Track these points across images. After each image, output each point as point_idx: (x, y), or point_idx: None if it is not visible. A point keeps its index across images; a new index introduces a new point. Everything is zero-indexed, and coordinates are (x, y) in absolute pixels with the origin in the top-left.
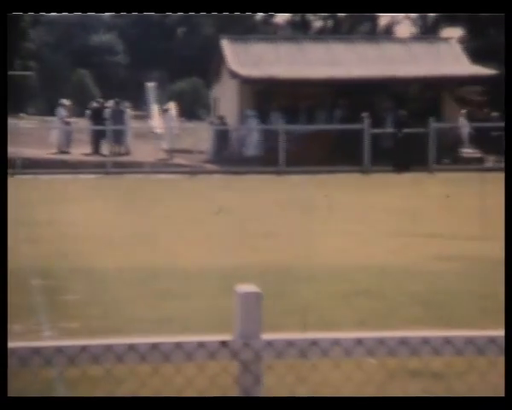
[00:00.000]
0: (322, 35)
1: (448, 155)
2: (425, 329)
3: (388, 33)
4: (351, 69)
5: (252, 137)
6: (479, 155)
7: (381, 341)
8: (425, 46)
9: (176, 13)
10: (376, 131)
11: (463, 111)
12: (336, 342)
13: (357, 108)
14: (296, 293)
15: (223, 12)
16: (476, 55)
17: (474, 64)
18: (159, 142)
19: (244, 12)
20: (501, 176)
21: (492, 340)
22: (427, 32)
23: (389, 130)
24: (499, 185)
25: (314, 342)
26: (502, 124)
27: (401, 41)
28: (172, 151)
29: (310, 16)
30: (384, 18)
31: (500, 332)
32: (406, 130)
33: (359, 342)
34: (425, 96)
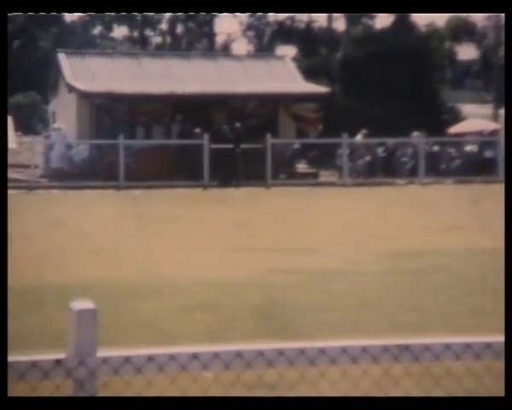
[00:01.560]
0: (161, 51)
1: (284, 170)
2: (260, 341)
3: (225, 50)
4: (189, 85)
5: (56, 151)
6: (314, 170)
7: (228, 353)
8: (261, 63)
9: (176, 13)
10: (216, 146)
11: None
12: (172, 357)
13: (196, 123)
14: (133, 309)
15: (223, 12)
16: (309, 73)
17: (307, 82)
18: None
19: (244, 12)
20: (333, 190)
21: (447, 346)
22: (263, 50)
23: (227, 145)
24: (332, 199)
25: (150, 358)
26: (336, 140)
27: (238, 58)
28: (9, 166)
29: (149, 32)
30: (221, 35)
31: (456, 339)
32: (244, 145)
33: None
34: (262, 112)
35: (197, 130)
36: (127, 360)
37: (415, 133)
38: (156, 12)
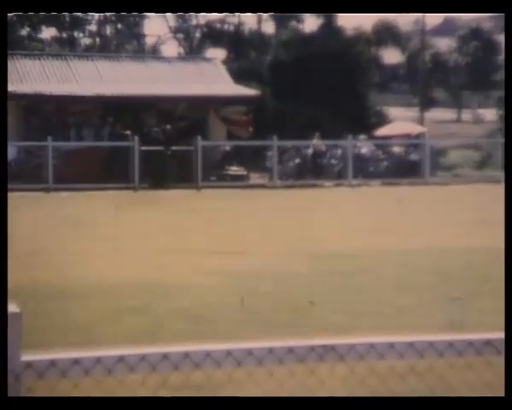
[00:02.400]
0: (90, 52)
1: (215, 173)
2: (187, 343)
3: (155, 52)
4: (118, 87)
5: None
6: (244, 172)
7: (155, 355)
8: (190, 66)
9: (176, 13)
10: (146, 148)
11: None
12: (98, 360)
13: (126, 125)
14: (61, 311)
15: (223, 12)
16: (239, 76)
17: (237, 84)
18: None
19: (244, 12)
20: (263, 192)
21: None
22: (193, 53)
23: (158, 147)
24: (261, 201)
25: (76, 361)
26: (268, 143)
27: (167, 60)
28: None
29: (78, 34)
30: (151, 37)
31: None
32: (174, 147)
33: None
34: (192, 114)
35: (128, 132)
36: (53, 363)
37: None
38: (148, 12)
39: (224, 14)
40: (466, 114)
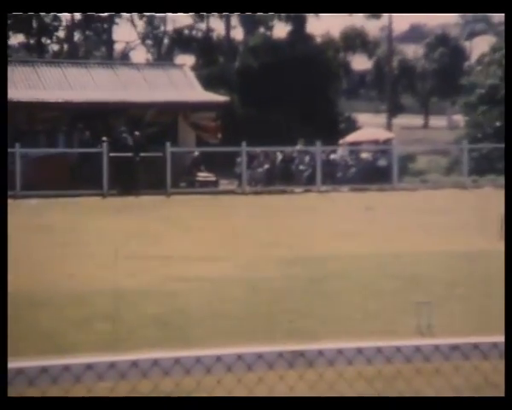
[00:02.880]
0: (58, 59)
1: (184, 179)
2: (157, 350)
3: (124, 59)
4: (87, 93)
5: None
6: (214, 178)
7: (124, 362)
8: (159, 72)
9: (175, 13)
10: (114, 154)
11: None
12: (67, 368)
13: (96, 131)
14: (31, 319)
15: (223, 12)
16: (207, 82)
17: (206, 91)
18: None
19: (244, 12)
20: (233, 198)
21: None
22: (161, 59)
23: (127, 154)
24: (230, 207)
25: (44, 370)
26: (237, 148)
27: (136, 67)
28: None
29: (46, 40)
30: (119, 43)
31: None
32: (143, 154)
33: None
34: (161, 120)
35: (100, 138)
36: (20, 371)
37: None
38: (157, 12)
39: (192, 20)
40: (438, 121)
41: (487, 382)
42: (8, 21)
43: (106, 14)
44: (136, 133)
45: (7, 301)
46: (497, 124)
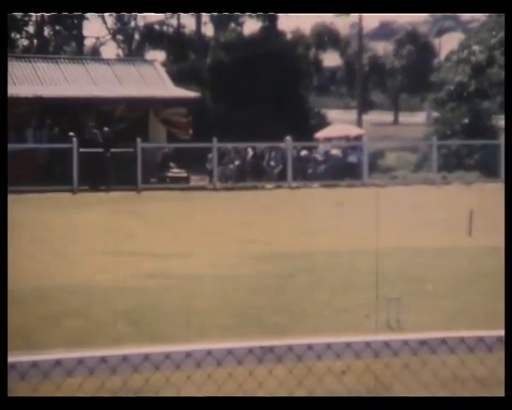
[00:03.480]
0: (28, 54)
1: (155, 175)
2: (127, 346)
3: (94, 54)
4: (57, 89)
5: None
6: (185, 174)
7: (92, 359)
8: (130, 68)
9: (176, 13)
10: (84, 150)
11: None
12: (34, 364)
13: (65, 127)
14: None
15: (223, 12)
16: (178, 78)
17: (177, 86)
18: None
19: (244, 12)
20: (203, 194)
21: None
22: (132, 54)
23: (97, 149)
24: (201, 203)
25: (12, 366)
26: (206, 145)
27: (107, 62)
28: None
29: (15, 35)
30: (90, 39)
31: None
32: (114, 149)
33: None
34: (132, 116)
35: (69, 134)
36: None
37: (287, 138)
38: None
39: (163, 16)
40: (407, 117)
41: (455, 377)
42: None
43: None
44: (106, 129)
45: (7, 301)
46: (466, 121)
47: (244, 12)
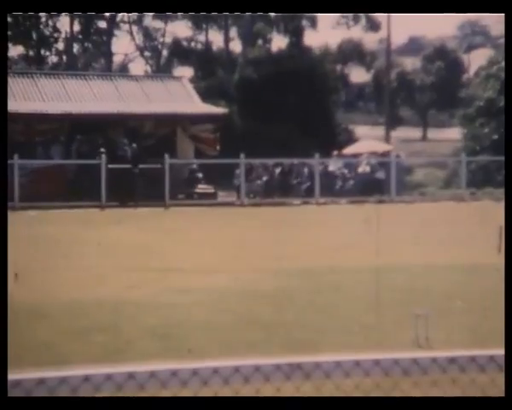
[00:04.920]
0: (57, 70)
1: (183, 191)
2: (154, 362)
3: (122, 71)
4: (85, 105)
5: None
6: (212, 190)
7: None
8: (158, 84)
9: (176, 13)
10: (113, 166)
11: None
12: (64, 380)
13: (94, 143)
14: (30, 330)
15: (223, 12)
16: (206, 94)
17: (204, 103)
18: None
19: (244, 12)
20: (231, 210)
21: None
22: (160, 71)
23: (126, 165)
24: (229, 219)
25: (42, 381)
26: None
27: (135, 78)
28: None
29: (45, 52)
30: (118, 55)
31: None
32: (142, 165)
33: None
34: (160, 132)
35: (102, 149)
36: (17, 383)
37: (316, 155)
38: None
39: (191, 32)
40: (436, 133)
41: (485, 395)
42: (9, 32)
43: (105, 26)
44: (135, 145)
45: (7, 301)
46: (495, 136)
47: (244, 12)
